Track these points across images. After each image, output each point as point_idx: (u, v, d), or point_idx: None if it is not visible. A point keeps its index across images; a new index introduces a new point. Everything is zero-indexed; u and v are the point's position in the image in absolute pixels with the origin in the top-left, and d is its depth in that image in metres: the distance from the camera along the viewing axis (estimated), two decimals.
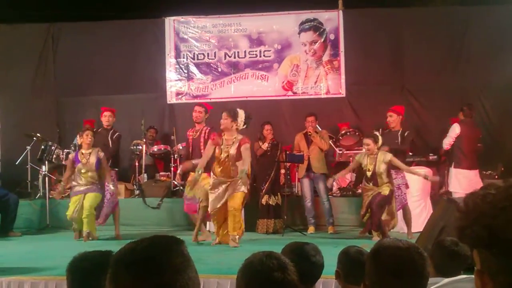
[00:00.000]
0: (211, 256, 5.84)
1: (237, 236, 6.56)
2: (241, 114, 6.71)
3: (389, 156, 7.00)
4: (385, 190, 6.97)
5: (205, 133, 7.25)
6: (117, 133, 7.96)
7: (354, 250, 2.66)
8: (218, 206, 6.57)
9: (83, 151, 7.34)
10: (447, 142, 7.82)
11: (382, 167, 6.97)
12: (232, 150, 6.57)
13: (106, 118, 7.93)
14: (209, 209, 6.73)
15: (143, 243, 1.22)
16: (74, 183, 7.40)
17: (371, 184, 7.09)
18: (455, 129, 7.79)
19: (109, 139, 7.84)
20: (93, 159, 7.28)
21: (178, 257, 1.20)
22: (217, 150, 6.66)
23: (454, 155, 7.86)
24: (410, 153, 8.36)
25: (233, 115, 6.66)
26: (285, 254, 2.41)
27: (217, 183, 6.62)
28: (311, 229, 8.00)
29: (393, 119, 7.58)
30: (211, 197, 6.62)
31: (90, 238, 7.18)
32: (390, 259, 1.83)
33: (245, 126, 6.76)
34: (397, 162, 7.04)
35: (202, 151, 7.11)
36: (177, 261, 1.19)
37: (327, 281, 4.18)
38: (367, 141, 7.07)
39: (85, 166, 7.26)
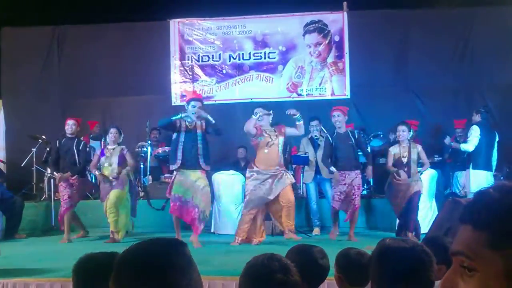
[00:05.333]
0: (216, 257, 5.83)
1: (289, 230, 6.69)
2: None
3: (419, 147, 7.08)
4: (419, 185, 6.98)
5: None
6: (82, 142, 7.72)
7: (354, 252, 2.60)
8: (263, 202, 6.70)
9: (108, 147, 7.47)
10: (473, 143, 7.66)
11: (415, 156, 6.99)
12: (281, 138, 6.83)
13: (69, 127, 7.62)
14: (249, 207, 6.73)
15: (146, 245, 1.22)
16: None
17: (404, 176, 6.97)
18: (477, 130, 7.71)
19: (74, 149, 7.57)
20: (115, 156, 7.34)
21: (180, 259, 1.20)
22: (261, 139, 6.78)
23: (473, 157, 7.77)
24: None
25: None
26: (291, 255, 2.40)
27: (261, 178, 6.67)
28: (316, 230, 7.97)
29: (340, 119, 7.31)
30: (255, 194, 6.66)
31: (116, 240, 7.13)
32: (395, 260, 1.82)
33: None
34: (424, 154, 7.06)
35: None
36: (180, 263, 1.19)
37: (332, 282, 4.16)
38: (402, 127, 7.05)
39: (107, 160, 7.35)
